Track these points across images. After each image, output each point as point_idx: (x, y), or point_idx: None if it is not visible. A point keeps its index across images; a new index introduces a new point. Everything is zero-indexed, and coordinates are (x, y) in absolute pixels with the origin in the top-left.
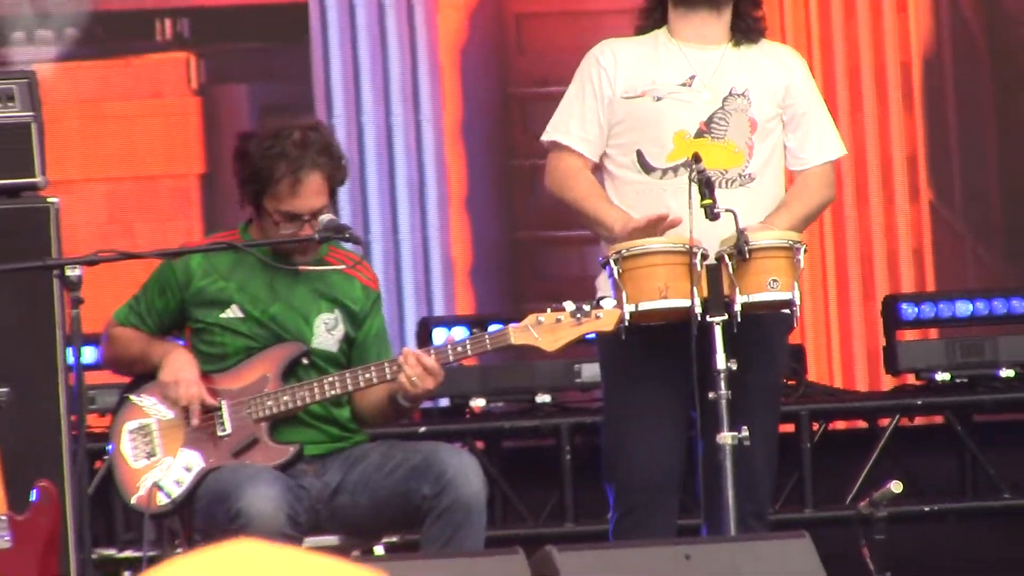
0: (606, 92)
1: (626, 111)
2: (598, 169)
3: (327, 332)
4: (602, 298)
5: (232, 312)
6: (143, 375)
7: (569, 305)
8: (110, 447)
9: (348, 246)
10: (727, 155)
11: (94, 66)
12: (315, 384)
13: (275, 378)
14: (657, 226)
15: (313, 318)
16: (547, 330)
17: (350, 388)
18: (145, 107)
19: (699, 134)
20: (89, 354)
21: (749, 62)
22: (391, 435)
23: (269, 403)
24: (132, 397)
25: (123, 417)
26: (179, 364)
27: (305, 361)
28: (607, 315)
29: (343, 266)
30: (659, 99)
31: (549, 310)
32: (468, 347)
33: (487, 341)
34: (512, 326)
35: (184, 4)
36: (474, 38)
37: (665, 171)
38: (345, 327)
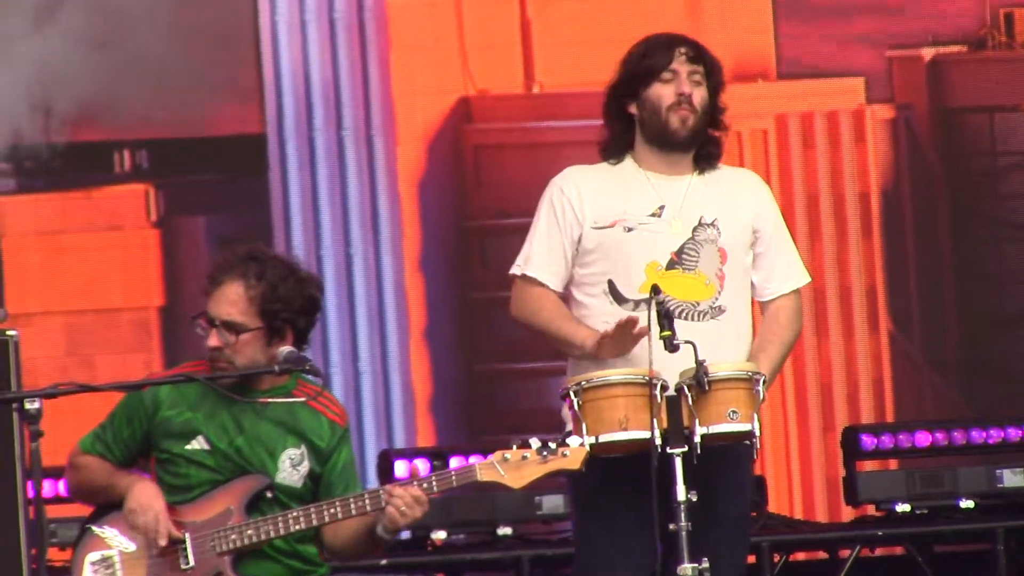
0: (571, 222)
1: (597, 241)
2: (565, 298)
3: (292, 467)
4: (568, 434)
5: (198, 444)
6: (105, 505)
7: (535, 442)
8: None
9: (308, 378)
10: (698, 287)
11: (53, 198)
12: (280, 519)
13: (239, 511)
14: (628, 335)
15: (279, 452)
16: (513, 467)
17: (315, 523)
18: (104, 239)
19: (670, 265)
20: (49, 487)
21: (716, 190)
22: (353, 568)
23: (233, 536)
24: (94, 528)
25: (85, 548)
26: (146, 494)
27: (269, 494)
28: (573, 453)
29: (304, 398)
30: (630, 230)
31: (515, 447)
32: (434, 483)
33: (453, 478)
34: (478, 462)
35: (143, 136)
36: (433, 170)
37: (638, 303)
38: (310, 463)
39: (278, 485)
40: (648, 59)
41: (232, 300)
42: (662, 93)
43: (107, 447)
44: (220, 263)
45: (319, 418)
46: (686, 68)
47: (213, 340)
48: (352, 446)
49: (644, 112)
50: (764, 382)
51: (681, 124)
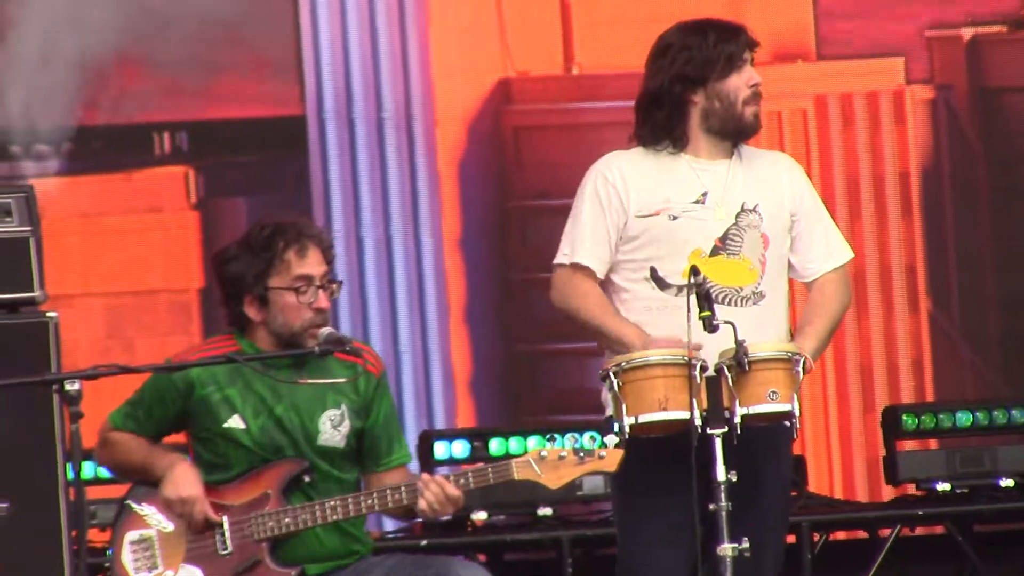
0: (616, 209)
1: (641, 228)
2: (603, 283)
3: (333, 428)
4: (608, 421)
5: (235, 422)
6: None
7: (569, 441)
8: (110, 551)
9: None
10: (742, 272)
11: (93, 180)
12: (317, 507)
13: (276, 495)
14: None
15: (318, 416)
16: (550, 467)
17: (352, 514)
18: (144, 221)
19: (715, 251)
20: (89, 469)
21: (755, 176)
22: (395, 548)
23: (270, 524)
24: (133, 505)
25: (124, 526)
26: (183, 481)
27: (307, 478)
28: (610, 455)
29: (343, 379)
30: (675, 218)
31: (551, 445)
32: (471, 479)
33: (490, 474)
34: (515, 460)
35: (182, 118)
36: (473, 151)
37: (681, 288)
38: (351, 421)
39: (322, 447)
40: (722, 48)
41: (321, 260)
42: (738, 85)
43: (140, 424)
44: (287, 231)
45: (354, 369)
46: (749, 55)
47: (323, 301)
48: (392, 394)
49: (715, 103)
50: (804, 362)
51: (755, 118)
